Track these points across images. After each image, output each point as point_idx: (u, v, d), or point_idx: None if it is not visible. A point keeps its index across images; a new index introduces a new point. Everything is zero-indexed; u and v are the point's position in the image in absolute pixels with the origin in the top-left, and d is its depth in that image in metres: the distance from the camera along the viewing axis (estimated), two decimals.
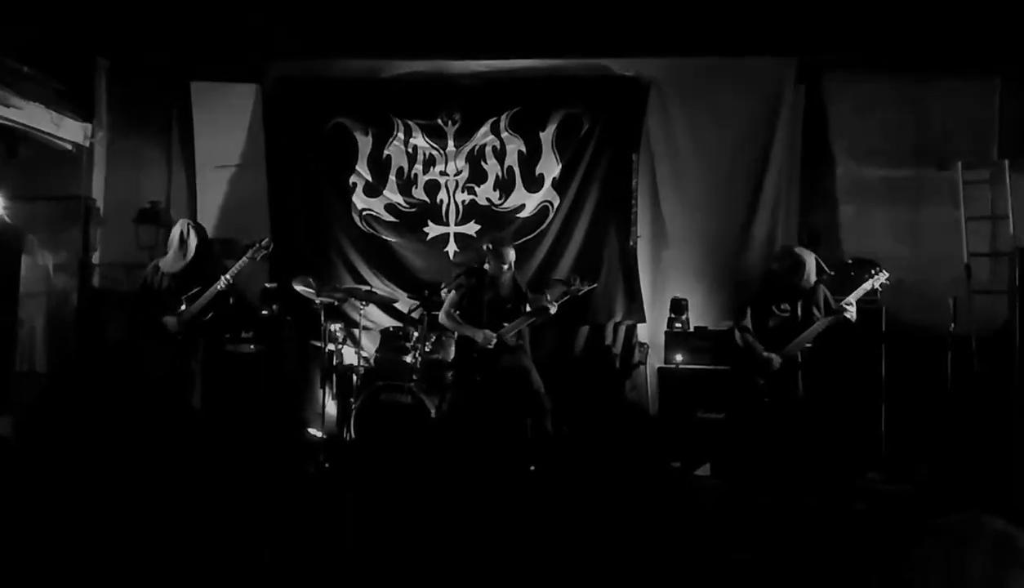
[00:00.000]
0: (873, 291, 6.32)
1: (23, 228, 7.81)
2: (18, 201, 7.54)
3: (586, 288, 6.90)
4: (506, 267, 6.77)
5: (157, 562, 4.13)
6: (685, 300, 7.65)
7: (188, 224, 6.75)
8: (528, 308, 6.74)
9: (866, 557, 4.36)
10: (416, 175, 8.27)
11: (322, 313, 7.11)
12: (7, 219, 7.33)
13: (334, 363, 7.21)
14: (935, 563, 1.76)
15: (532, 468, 6.52)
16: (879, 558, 4.03)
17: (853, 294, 6.22)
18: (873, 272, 6.34)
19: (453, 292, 6.94)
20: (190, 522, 4.65)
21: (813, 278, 6.34)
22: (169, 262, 6.70)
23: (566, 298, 6.77)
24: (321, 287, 7.18)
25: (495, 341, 6.63)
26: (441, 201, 8.26)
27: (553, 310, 6.65)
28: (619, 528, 5.00)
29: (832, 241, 7.68)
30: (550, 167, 8.11)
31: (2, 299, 7.38)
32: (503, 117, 8.14)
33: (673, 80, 8.03)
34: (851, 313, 6.16)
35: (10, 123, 7.44)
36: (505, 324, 6.67)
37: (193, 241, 6.67)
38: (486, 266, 6.86)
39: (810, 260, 6.35)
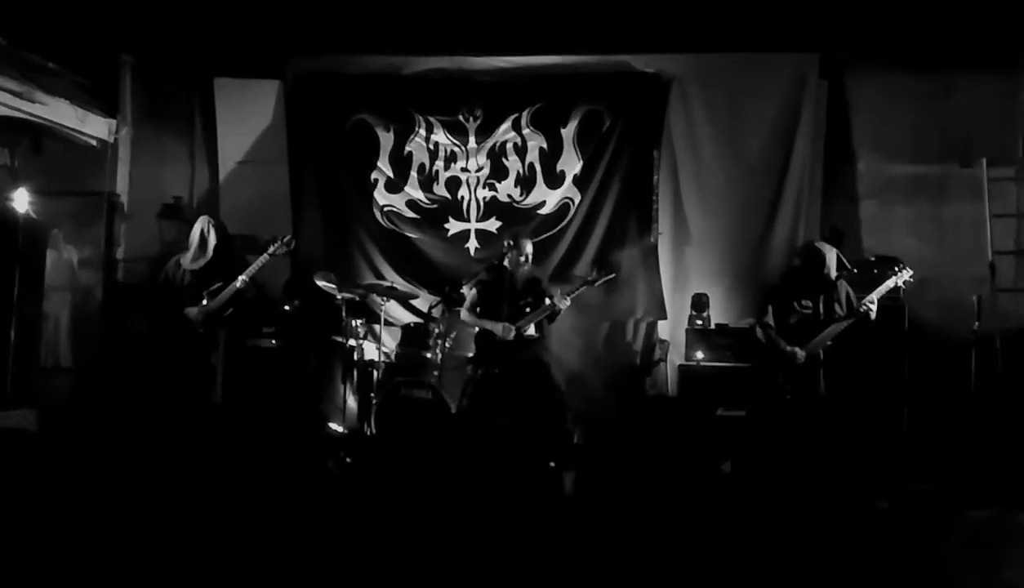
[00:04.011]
0: (896, 289, 6.28)
1: (48, 223, 7.87)
2: (43, 196, 7.59)
3: (603, 278, 6.90)
4: (523, 259, 6.84)
5: (176, 556, 4.16)
6: (706, 296, 7.63)
7: (208, 222, 6.81)
8: (546, 302, 6.79)
9: (890, 556, 4.34)
10: (437, 171, 8.29)
11: (343, 308, 7.15)
12: (32, 214, 7.39)
13: (355, 358, 7.24)
14: (972, 561, 1.75)
15: (552, 464, 6.53)
16: (904, 557, 4.01)
17: (875, 291, 6.19)
18: (896, 269, 6.30)
19: (473, 290, 6.99)
20: (210, 516, 4.68)
21: (834, 273, 6.30)
22: (189, 260, 6.78)
23: (581, 289, 6.80)
24: (342, 282, 7.22)
25: (514, 333, 6.68)
26: (462, 197, 8.27)
27: (565, 303, 6.67)
28: (638, 526, 4.99)
29: (854, 238, 7.63)
30: (571, 164, 8.10)
31: (27, 294, 7.44)
32: (524, 114, 8.14)
33: (694, 76, 8.00)
34: (872, 311, 6.13)
35: (35, 119, 7.51)
36: (526, 313, 6.75)
37: (213, 240, 6.73)
38: (505, 263, 6.90)
39: (831, 254, 6.33)
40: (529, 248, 6.94)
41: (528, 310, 6.80)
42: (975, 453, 6.40)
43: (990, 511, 1.80)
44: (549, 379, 6.79)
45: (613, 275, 7.12)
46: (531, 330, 6.90)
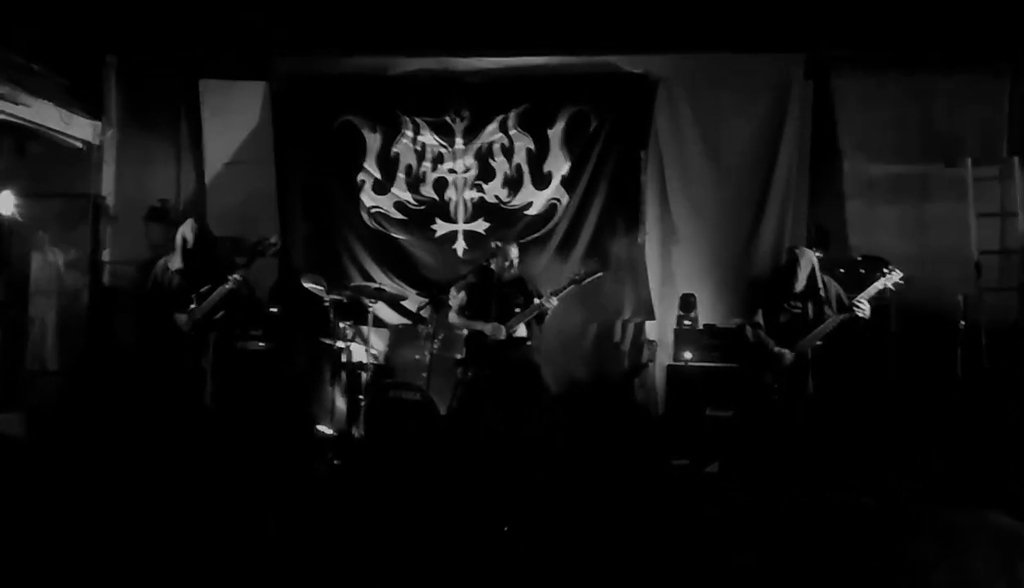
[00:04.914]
0: (885, 290, 6.31)
1: (33, 226, 7.83)
2: (28, 199, 7.55)
3: (590, 277, 6.92)
4: (508, 264, 6.87)
5: (166, 559, 4.15)
6: (694, 296, 7.64)
7: (191, 224, 6.83)
8: (535, 302, 6.81)
9: (875, 552, 4.36)
10: (424, 173, 8.28)
11: (332, 310, 7.14)
12: (17, 217, 7.35)
13: (343, 360, 7.23)
14: (939, 559, 1.76)
15: (541, 466, 6.53)
16: (888, 554, 4.03)
17: (865, 292, 6.22)
18: (885, 270, 6.32)
19: (462, 293, 7.00)
20: (200, 519, 4.66)
21: (801, 284, 6.32)
22: (175, 262, 6.79)
23: (569, 288, 6.82)
24: (330, 284, 7.21)
25: (504, 332, 6.70)
26: (449, 199, 8.27)
27: (553, 303, 6.69)
28: (624, 527, 5.00)
29: (840, 238, 7.66)
30: (558, 165, 8.11)
31: (13, 297, 7.40)
32: (511, 114, 8.15)
33: (681, 77, 8.01)
34: (864, 311, 6.16)
35: (20, 121, 7.46)
36: (515, 313, 6.77)
37: (191, 242, 6.74)
38: (492, 266, 6.92)
39: (804, 262, 6.34)
40: (515, 252, 7.00)
41: (517, 311, 6.82)
42: (962, 450, 6.43)
43: (957, 511, 1.82)
44: (538, 380, 6.81)
45: (600, 273, 7.11)
46: (521, 331, 6.91)
